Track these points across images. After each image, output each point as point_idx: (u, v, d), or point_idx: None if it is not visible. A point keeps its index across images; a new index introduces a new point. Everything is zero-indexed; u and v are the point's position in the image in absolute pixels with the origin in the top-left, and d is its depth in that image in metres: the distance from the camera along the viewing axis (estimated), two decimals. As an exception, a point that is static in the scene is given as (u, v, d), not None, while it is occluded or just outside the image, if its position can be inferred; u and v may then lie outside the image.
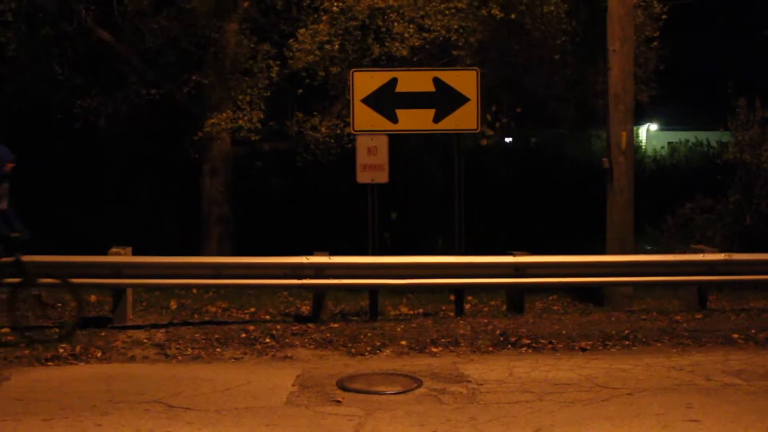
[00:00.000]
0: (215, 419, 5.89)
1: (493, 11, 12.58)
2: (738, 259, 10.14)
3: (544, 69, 13.84)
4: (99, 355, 8.01)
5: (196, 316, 9.95)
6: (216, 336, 8.70)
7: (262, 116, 13.56)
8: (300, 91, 13.90)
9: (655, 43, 13.76)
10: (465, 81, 10.18)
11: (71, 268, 9.37)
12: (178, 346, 8.34)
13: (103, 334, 8.88)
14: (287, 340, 8.59)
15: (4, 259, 8.29)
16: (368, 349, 8.21)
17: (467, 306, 10.51)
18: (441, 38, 12.99)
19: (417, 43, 12.87)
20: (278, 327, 9.19)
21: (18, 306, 8.57)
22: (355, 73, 10.36)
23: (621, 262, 10.35)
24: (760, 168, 13.13)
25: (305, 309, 10.36)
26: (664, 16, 13.43)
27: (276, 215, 16.59)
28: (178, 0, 13.47)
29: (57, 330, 8.78)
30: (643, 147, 24.31)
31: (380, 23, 13.20)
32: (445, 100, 10.13)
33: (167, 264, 9.68)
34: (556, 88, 14.12)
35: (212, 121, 13.32)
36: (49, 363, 7.72)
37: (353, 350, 8.18)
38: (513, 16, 12.65)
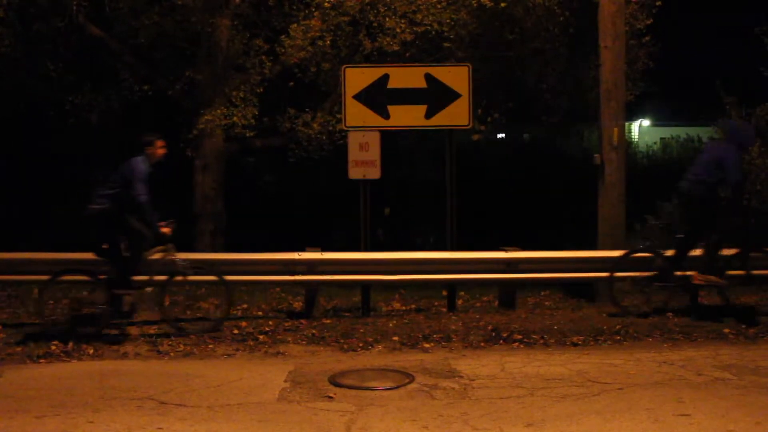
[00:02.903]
0: (207, 415, 5.90)
1: (482, 0, 12.56)
2: (728, 254, 10.15)
3: (537, 60, 13.80)
4: (91, 352, 8.03)
5: (188, 312, 9.94)
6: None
7: (256, 112, 13.53)
8: (291, 83, 13.88)
9: (646, 38, 13.70)
10: (457, 77, 10.19)
11: (63, 265, 9.36)
12: (170, 342, 8.36)
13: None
14: (279, 337, 8.62)
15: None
16: (360, 344, 8.23)
17: (459, 302, 10.55)
18: (433, 32, 12.97)
19: (409, 38, 12.86)
20: (270, 323, 9.22)
21: None
22: (346, 70, 10.36)
23: (613, 258, 10.36)
24: (750, 164, 13.13)
25: (297, 305, 10.37)
26: (658, 3, 13.37)
27: (268, 211, 16.55)
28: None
29: None
30: (636, 142, 24.30)
31: (372, 18, 13.17)
32: (436, 96, 10.13)
33: (159, 261, 9.65)
34: (549, 80, 14.08)
35: (206, 117, 13.28)
36: (41, 360, 7.73)
37: (345, 346, 8.20)
38: (502, 5, 12.62)
